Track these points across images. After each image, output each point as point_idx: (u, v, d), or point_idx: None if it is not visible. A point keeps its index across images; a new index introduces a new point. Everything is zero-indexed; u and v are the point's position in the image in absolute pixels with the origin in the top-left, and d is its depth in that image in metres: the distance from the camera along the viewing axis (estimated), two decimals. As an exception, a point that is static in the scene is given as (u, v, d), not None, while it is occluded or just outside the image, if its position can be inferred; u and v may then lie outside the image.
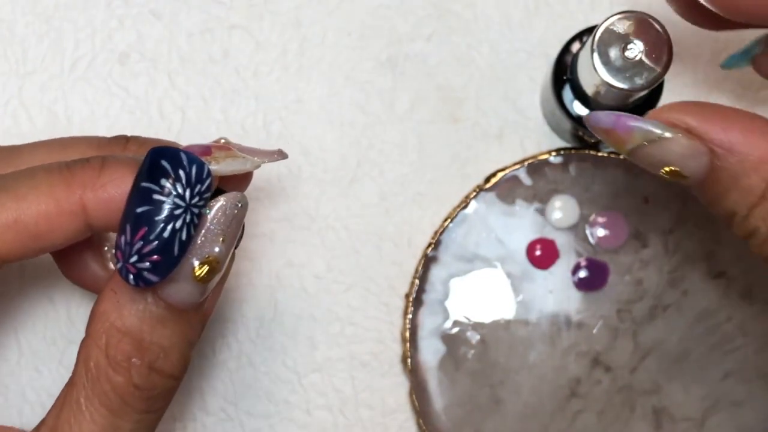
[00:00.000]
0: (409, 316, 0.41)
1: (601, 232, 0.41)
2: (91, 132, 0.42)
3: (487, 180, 0.41)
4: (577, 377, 0.41)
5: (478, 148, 0.42)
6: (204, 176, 0.28)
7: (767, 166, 0.28)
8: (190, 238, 0.28)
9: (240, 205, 0.30)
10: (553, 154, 0.41)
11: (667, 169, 0.29)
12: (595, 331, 0.41)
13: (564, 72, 0.39)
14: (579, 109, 0.39)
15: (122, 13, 0.43)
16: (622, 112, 0.30)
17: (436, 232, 0.42)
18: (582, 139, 0.41)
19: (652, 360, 0.41)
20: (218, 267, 0.29)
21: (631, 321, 0.41)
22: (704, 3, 0.31)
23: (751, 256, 0.30)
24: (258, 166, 0.32)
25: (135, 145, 0.34)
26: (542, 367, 0.41)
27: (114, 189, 0.30)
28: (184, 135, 0.42)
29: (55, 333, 0.42)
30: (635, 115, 0.29)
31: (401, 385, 0.42)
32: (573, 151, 0.41)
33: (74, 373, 0.31)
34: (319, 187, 0.42)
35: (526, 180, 0.41)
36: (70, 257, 0.35)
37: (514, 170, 0.41)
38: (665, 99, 0.39)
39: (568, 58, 0.39)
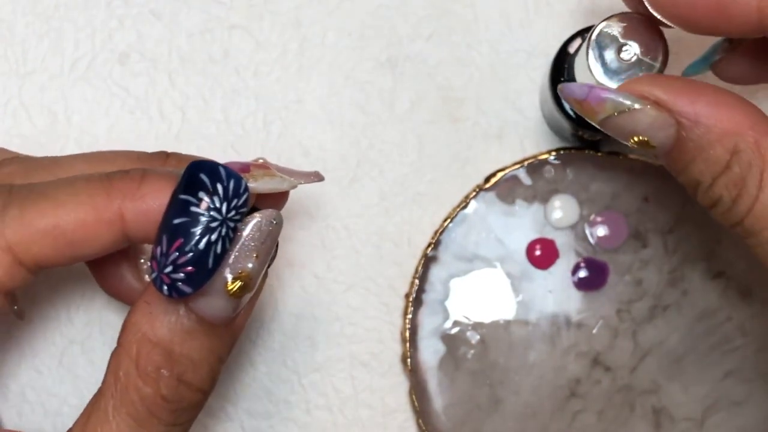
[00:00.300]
0: (409, 316, 0.41)
1: (600, 232, 0.41)
2: (92, 132, 0.42)
3: (487, 180, 0.42)
4: (576, 377, 0.41)
5: (478, 148, 0.42)
6: (241, 191, 0.29)
7: (731, 138, 0.29)
8: (225, 251, 0.29)
9: (275, 222, 0.30)
10: (553, 154, 0.41)
11: (635, 138, 0.30)
12: (594, 331, 0.41)
13: (561, 74, 0.39)
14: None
15: (122, 13, 0.43)
16: (594, 84, 0.31)
17: (436, 232, 0.42)
18: (582, 139, 0.41)
19: (651, 360, 0.41)
20: (251, 283, 0.30)
21: (630, 321, 0.41)
22: (654, 12, 0.32)
23: (721, 225, 0.31)
24: (295, 186, 0.32)
25: (175, 161, 0.35)
26: (542, 367, 0.41)
27: (153, 200, 0.30)
28: (184, 135, 0.42)
29: (55, 333, 0.42)
30: (607, 87, 0.30)
31: (401, 385, 0.42)
32: (573, 151, 0.41)
33: (104, 382, 0.31)
34: (319, 187, 0.42)
35: (526, 180, 0.41)
36: (106, 268, 0.36)
37: (513, 170, 0.41)
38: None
39: (566, 60, 0.39)
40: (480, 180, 0.42)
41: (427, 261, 0.41)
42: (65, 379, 0.42)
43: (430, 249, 0.41)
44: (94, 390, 0.42)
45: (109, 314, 0.42)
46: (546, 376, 0.41)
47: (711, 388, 0.41)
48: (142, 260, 0.36)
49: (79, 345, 0.42)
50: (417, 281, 0.41)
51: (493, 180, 0.41)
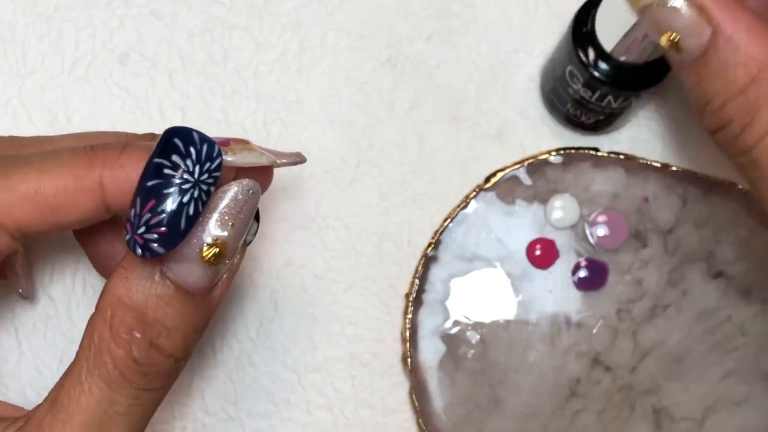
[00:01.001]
0: (409, 315, 0.41)
1: (601, 232, 0.41)
2: (92, 132, 0.43)
3: (487, 180, 0.42)
4: (576, 377, 0.41)
5: (478, 148, 0.42)
6: (214, 155, 0.29)
7: (755, 65, 0.29)
8: (198, 213, 0.29)
9: (252, 192, 0.30)
10: (553, 153, 0.41)
11: (668, 36, 0.31)
12: (594, 330, 0.41)
13: (584, 24, 0.38)
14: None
15: (122, 13, 0.43)
16: None
17: (436, 232, 0.42)
18: (574, 122, 0.41)
19: (651, 360, 0.41)
20: (226, 252, 0.30)
21: (630, 321, 0.41)
22: None
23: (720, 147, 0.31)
24: (274, 162, 0.32)
25: None
26: (542, 367, 0.41)
27: (132, 170, 0.31)
28: (184, 135, 0.42)
29: (55, 333, 0.42)
30: None
31: (401, 384, 0.42)
32: (573, 151, 0.41)
33: (80, 347, 0.31)
34: (319, 187, 0.42)
35: (526, 180, 0.41)
36: (99, 249, 0.36)
37: (513, 170, 0.41)
38: None
39: (589, 12, 0.38)
40: (480, 180, 0.42)
41: (428, 261, 0.41)
42: (65, 379, 0.42)
43: (430, 249, 0.41)
44: (94, 390, 0.42)
45: (109, 314, 0.42)
46: (546, 375, 0.41)
47: (711, 387, 0.41)
48: None
49: (78, 345, 0.42)
50: (417, 281, 0.41)
51: (493, 180, 0.41)
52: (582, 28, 0.38)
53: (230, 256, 0.30)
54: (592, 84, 0.38)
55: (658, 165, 0.41)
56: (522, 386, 0.41)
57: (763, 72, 0.29)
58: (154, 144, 0.31)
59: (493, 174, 0.42)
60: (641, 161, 0.41)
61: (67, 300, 0.42)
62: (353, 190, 0.42)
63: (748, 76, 0.29)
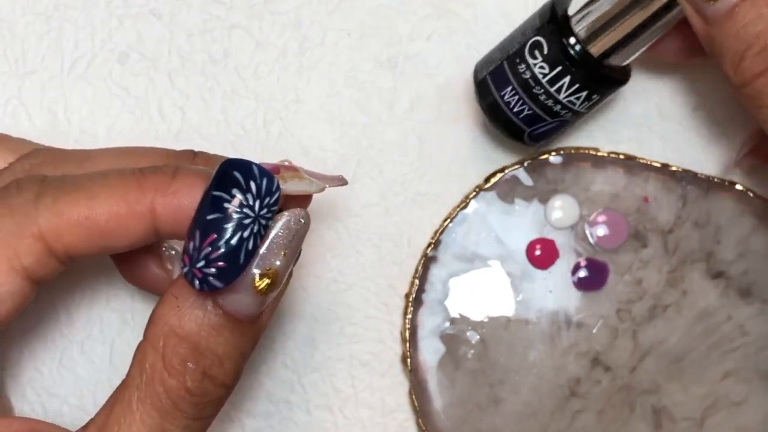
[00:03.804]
0: (409, 315, 0.41)
1: (600, 232, 0.41)
2: (92, 132, 0.42)
3: (487, 180, 0.42)
4: (576, 377, 0.41)
5: (478, 148, 0.42)
6: (273, 189, 0.29)
7: None
8: (256, 248, 0.29)
9: (303, 221, 0.30)
10: (553, 154, 0.41)
11: None
12: (594, 330, 0.41)
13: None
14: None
15: (122, 13, 0.43)
16: None
17: (435, 232, 0.42)
18: (498, 113, 0.39)
19: (651, 360, 0.41)
20: (278, 281, 0.30)
21: (630, 321, 0.41)
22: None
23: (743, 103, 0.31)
24: (322, 190, 0.33)
25: (202, 159, 0.35)
26: (542, 367, 0.41)
27: (184, 196, 0.31)
28: (183, 135, 0.42)
29: (55, 333, 0.42)
30: None
31: (401, 384, 0.42)
32: (573, 151, 0.41)
33: (128, 374, 0.31)
34: (319, 186, 0.42)
35: (526, 180, 0.41)
36: (129, 258, 0.36)
37: (513, 170, 0.41)
38: None
39: None
40: (480, 180, 0.42)
41: (427, 261, 0.41)
42: (65, 379, 0.42)
43: (430, 249, 0.41)
44: (94, 390, 0.42)
45: (110, 314, 0.42)
46: (546, 375, 0.41)
47: (710, 388, 0.41)
48: (164, 248, 0.36)
49: (79, 345, 0.42)
50: (417, 281, 0.41)
51: (493, 180, 0.41)
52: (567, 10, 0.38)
53: (280, 284, 0.30)
54: (557, 58, 0.37)
55: (658, 165, 0.41)
56: (522, 386, 0.41)
57: None
58: (205, 169, 0.31)
59: (493, 174, 0.42)
60: (641, 161, 0.41)
61: (67, 301, 0.42)
62: (353, 190, 0.42)
63: None
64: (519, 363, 0.41)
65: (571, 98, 0.37)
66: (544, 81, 0.37)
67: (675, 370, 0.41)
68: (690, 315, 0.41)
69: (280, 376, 0.42)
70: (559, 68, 0.37)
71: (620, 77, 0.38)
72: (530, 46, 0.37)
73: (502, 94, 0.39)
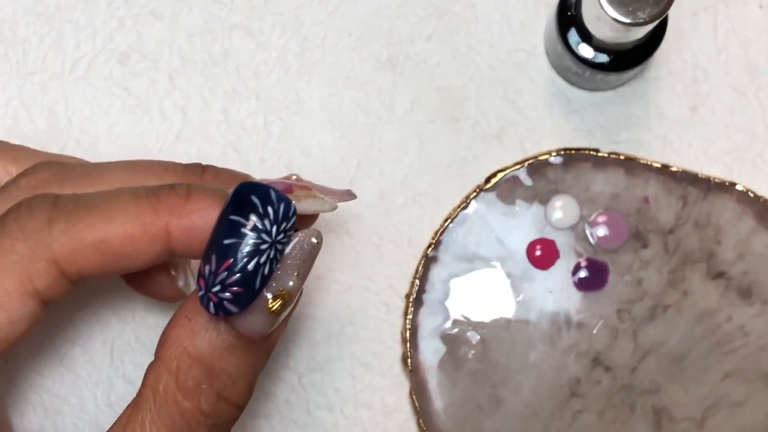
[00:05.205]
0: (409, 316, 0.41)
1: (601, 232, 0.41)
2: (93, 132, 0.42)
3: (488, 180, 0.42)
4: (577, 377, 0.41)
5: (478, 148, 0.42)
6: (290, 214, 0.29)
7: None
8: (272, 272, 0.29)
9: (315, 241, 0.30)
10: (553, 154, 0.41)
11: None
12: (595, 331, 0.41)
13: (569, 8, 0.39)
14: (584, 50, 0.39)
15: (123, 13, 0.43)
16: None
17: (436, 232, 0.42)
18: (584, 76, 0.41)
19: (651, 360, 0.41)
20: (291, 301, 0.30)
21: (631, 321, 0.41)
22: None
23: None
24: (335, 208, 0.33)
25: (211, 174, 0.35)
26: (542, 367, 0.41)
27: (199, 218, 0.30)
28: (184, 135, 0.42)
29: (55, 333, 0.42)
30: None
31: (401, 384, 0.42)
32: (573, 152, 0.41)
33: (140, 395, 0.31)
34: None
35: (527, 180, 0.41)
36: None
37: (514, 170, 0.41)
38: (669, 38, 0.39)
39: None
40: (480, 180, 0.42)
41: (428, 261, 0.41)
42: (65, 379, 0.42)
43: (430, 249, 0.41)
44: (94, 390, 0.42)
45: (109, 315, 0.42)
46: (546, 375, 0.41)
47: (711, 388, 0.41)
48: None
49: (79, 345, 0.42)
50: (417, 281, 0.41)
51: (494, 180, 0.41)
52: (567, 12, 0.39)
53: (292, 303, 0.30)
54: (580, 65, 0.39)
55: (659, 165, 0.41)
56: (522, 386, 0.41)
57: None
58: (220, 189, 0.31)
59: (494, 174, 0.42)
60: (641, 161, 0.41)
61: (68, 301, 0.42)
62: (353, 190, 0.42)
63: None
64: (519, 363, 0.41)
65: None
66: (586, 76, 0.41)
67: (675, 371, 0.41)
68: (690, 315, 0.41)
69: (280, 376, 0.42)
70: (588, 72, 0.40)
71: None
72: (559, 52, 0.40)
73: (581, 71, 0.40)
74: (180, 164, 0.35)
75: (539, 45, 0.43)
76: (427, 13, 0.43)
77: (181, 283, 0.37)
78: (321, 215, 0.42)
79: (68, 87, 0.43)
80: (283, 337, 0.42)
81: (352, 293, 0.42)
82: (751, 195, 0.41)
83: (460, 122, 0.42)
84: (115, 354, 0.42)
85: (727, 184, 0.41)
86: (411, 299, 0.41)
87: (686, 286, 0.41)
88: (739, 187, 0.41)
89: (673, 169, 0.41)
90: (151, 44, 0.43)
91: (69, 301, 0.42)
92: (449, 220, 0.42)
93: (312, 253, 0.30)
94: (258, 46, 0.43)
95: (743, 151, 0.42)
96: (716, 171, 0.42)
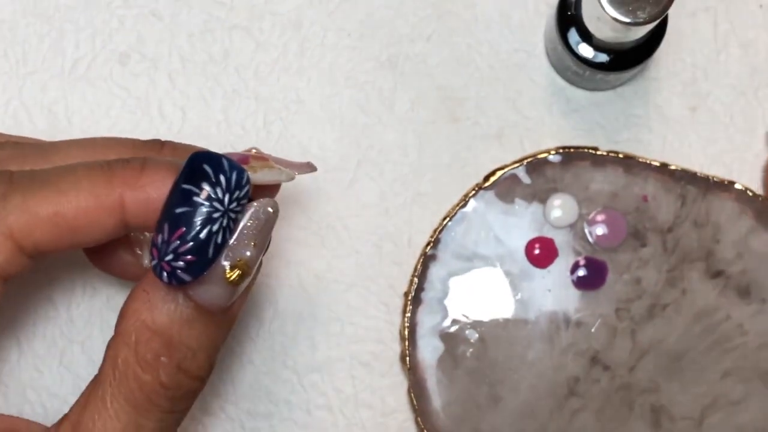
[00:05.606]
0: (408, 314, 0.41)
1: (599, 231, 0.41)
2: (93, 132, 0.42)
3: (486, 178, 0.42)
4: (575, 376, 0.41)
5: (478, 147, 0.42)
6: (243, 183, 0.29)
7: None
8: (225, 241, 0.29)
9: (272, 210, 0.30)
10: (552, 152, 0.42)
11: None
12: (593, 329, 0.41)
13: (569, 8, 0.39)
14: (584, 50, 0.39)
15: (123, 13, 0.43)
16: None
17: (435, 231, 0.42)
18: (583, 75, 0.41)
19: (650, 359, 0.41)
20: (248, 271, 0.30)
21: (629, 320, 0.41)
22: None
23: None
24: (292, 178, 0.32)
25: (169, 150, 0.35)
26: (541, 366, 0.41)
27: (153, 190, 0.30)
28: (184, 135, 0.42)
29: (55, 333, 0.42)
30: None
31: (401, 384, 0.42)
32: (572, 150, 0.42)
33: (101, 370, 0.31)
34: (319, 186, 0.42)
35: (525, 179, 0.42)
36: (99, 246, 0.35)
37: (513, 169, 0.42)
38: (669, 38, 0.39)
39: None
40: (479, 179, 0.42)
41: (427, 259, 0.41)
42: (65, 379, 0.42)
43: (429, 247, 0.41)
44: (94, 389, 0.42)
45: (110, 314, 0.42)
46: (545, 374, 0.41)
47: (709, 387, 0.41)
48: (133, 233, 0.36)
49: (79, 345, 0.42)
50: (416, 280, 0.41)
51: (493, 179, 0.42)
52: (567, 11, 0.39)
53: (251, 274, 0.30)
54: (580, 65, 0.39)
55: (657, 164, 0.42)
56: (521, 385, 0.41)
57: None
58: (174, 161, 0.31)
59: (493, 173, 0.42)
60: (640, 160, 0.41)
61: (67, 300, 0.42)
62: (353, 190, 0.42)
63: None
64: (518, 362, 0.41)
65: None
66: (585, 75, 0.41)
67: (674, 370, 0.41)
68: (689, 314, 0.41)
69: (280, 376, 0.42)
70: (587, 72, 0.40)
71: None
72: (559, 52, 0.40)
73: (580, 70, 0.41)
74: (138, 140, 0.35)
75: (539, 45, 0.43)
76: (426, 13, 0.43)
77: (146, 261, 0.36)
78: (319, 214, 0.42)
79: (68, 87, 0.43)
80: (283, 337, 0.42)
81: (352, 293, 0.42)
82: (750, 194, 0.41)
83: (460, 122, 0.43)
84: (115, 353, 0.42)
85: (726, 183, 0.41)
86: (410, 297, 0.41)
87: (685, 284, 0.41)
88: (738, 186, 0.41)
89: (672, 167, 0.42)
90: (151, 44, 0.43)
91: (69, 301, 0.42)
92: (448, 218, 0.42)
93: (268, 222, 0.30)
94: (258, 46, 0.43)
95: (743, 151, 0.42)
96: (716, 171, 0.42)
